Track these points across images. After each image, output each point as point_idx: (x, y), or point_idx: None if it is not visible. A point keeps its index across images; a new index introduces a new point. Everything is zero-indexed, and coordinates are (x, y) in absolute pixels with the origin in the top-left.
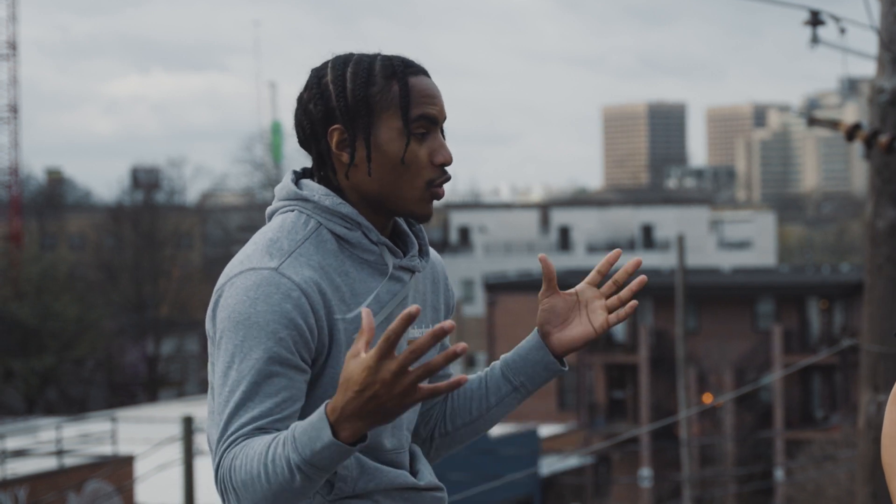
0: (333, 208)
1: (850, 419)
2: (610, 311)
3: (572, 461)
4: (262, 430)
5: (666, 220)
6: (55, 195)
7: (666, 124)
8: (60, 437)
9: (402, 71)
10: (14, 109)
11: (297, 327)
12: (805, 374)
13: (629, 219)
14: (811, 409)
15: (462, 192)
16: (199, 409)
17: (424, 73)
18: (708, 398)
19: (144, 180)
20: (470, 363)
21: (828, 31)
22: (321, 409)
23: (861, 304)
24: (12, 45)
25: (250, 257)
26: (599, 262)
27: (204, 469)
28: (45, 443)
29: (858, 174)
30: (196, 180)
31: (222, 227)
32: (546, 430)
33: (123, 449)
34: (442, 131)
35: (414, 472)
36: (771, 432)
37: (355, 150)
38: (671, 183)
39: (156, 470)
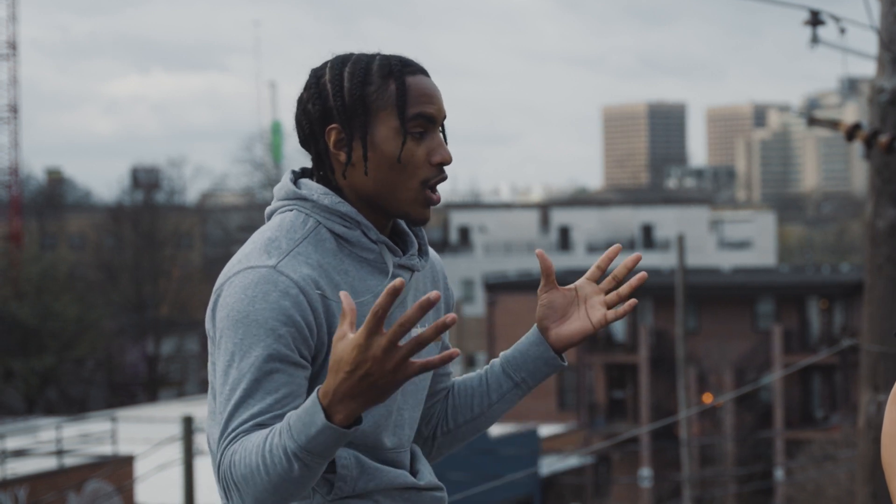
0: (332, 207)
1: (850, 419)
2: (609, 307)
3: (572, 461)
4: (262, 427)
5: (666, 220)
6: (55, 195)
7: (666, 124)
8: (60, 437)
9: (399, 70)
10: (14, 109)
11: (295, 324)
12: (805, 374)
13: (629, 219)
14: (811, 409)
15: (462, 192)
16: (199, 409)
17: (423, 72)
18: (708, 398)
19: (144, 180)
20: (470, 363)
21: (828, 31)
22: (314, 394)
23: (861, 304)
24: (12, 45)
25: (248, 256)
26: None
27: (204, 469)
28: (45, 443)
29: (858, 174)
30: (196, 180)
31: (222, 227)
32: (546, 430)
33: (123, 449)
34: (443, 131)
35: (414, 472)
36: (771, 432)
37: (352, 150)
38: (671, 183)
39: (156, 470)
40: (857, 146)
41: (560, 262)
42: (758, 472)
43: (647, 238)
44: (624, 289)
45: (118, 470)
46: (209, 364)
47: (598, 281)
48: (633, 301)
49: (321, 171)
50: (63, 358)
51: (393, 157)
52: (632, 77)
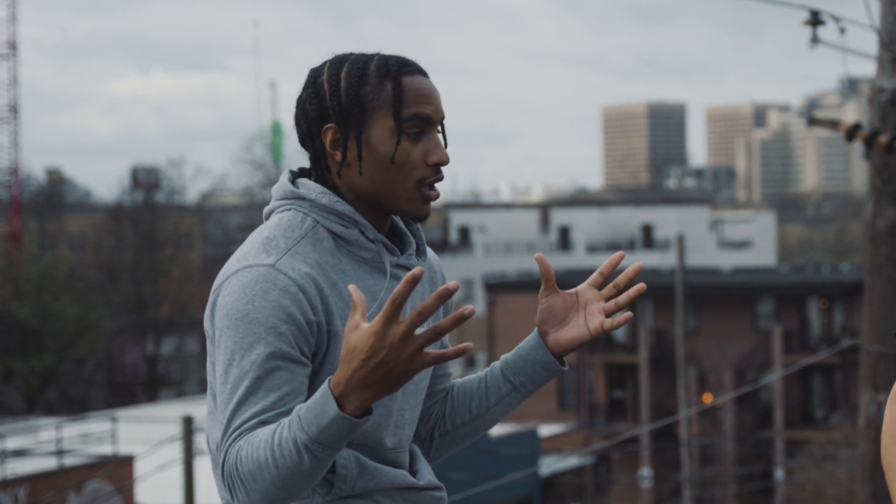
0: (330, 206)
1: (850, 419)
2: (608, 314)
3: (572, 461)
4: (265, 424)
5: (666, 220)
6: (55, 195)
7: (666, 124)
8: (60, 437)
9: (396, 70)
10: (14, 109)
11: (296, 322)
12: (805, 374)
13: (629, 219)
14: (811, 409)
15: (462, 192)
16: (199, 409)
17: (421, 72)
18: (708, 398)
19: (144, 180)
20: (470, 363)
21: (828, 31)
22: (324, 385)
23: (861, 304)
24: (12, 45)
25: (247, 255)
26: (601, 262)
27: (204, 469)
28: (45, 443)
29: (858, 174)
30: (196, 180)
31: (222, 227)
32: (546, 430)
33: (123, 449)
34: (443, 131)
35: (413, 472)
36: (771, 432)
37: (347, 149)
38: (671, 183)
39: (156, 470)
40: (857, 146)
41: (560, 262)
42: (758, 472)
43: (647, 238)
44: (622, 298)
45: (118, 470)
46: (208, 364)
47: (599, 287)
48: (628, 314)
49: (318, 170)
50: (63, 358)
51: (387, 157)
52: (632, 77)
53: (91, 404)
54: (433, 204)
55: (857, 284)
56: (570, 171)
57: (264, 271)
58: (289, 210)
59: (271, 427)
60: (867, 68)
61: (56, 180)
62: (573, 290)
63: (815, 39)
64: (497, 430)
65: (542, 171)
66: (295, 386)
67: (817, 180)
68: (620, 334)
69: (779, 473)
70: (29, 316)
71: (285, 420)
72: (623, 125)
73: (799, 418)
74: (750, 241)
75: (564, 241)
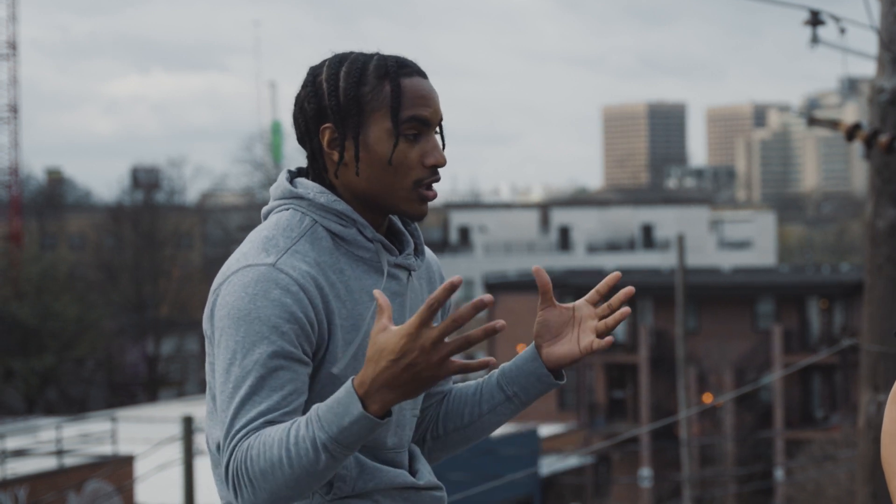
0: (328, 205)
1: (850, 419)
2: (599, 333)
3: (572, 461)
4: (271, 424)
5: (666, 220)
6: (55, 195)
7: (666, 124)
8: (60, 437)
9: (395, 71)
10: (14, 109)
11: (297, 321)
12: (805, 374)
13: (629, 219)
14: (811, 409)
15: (462, 192)
16: (199, 409)
17: (420, 73)
18: (708, 398)
19: (144, 180)
20: None
21: (828, 31)
22: (347, 385)
23: (861, 304)
24: (12, 45)
25: (246, 255)
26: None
27: (204, 469)
28: (45, 443)
29: (858, 174)
30: (196, 180)
31: (222, 227)
32: (546, 430)
33: (123, 449)
34: (442, 132)
35: (413, 472)
36: (771, 432)
37: (345, 149)
38: (671, 183)
39: (156, 470)
40: (857, 146)
41: (560, 262)
42: (758, 472)
43: (647, 238)
44: (610, 320)
45: (118, 470)
46: (207, 364)
47: (596, 304)
48: (609, 339)
49: (316, 169)
50: (63, 358)
51: (384, 158)
52: (632, 77)
53: (91, 404)
54: (433, 204)
55: (857, 284)
56: (570, 171)
57: (265, 270)
58: (287, 209)
59: (283, 426)
60: (867, 68)
61: (56, 180)
62: (570, 305)
63: (815, 39)
64: (497, 430)
65: (542, 171)
66: (297, 385)
67: (817, 180)
68: (620, 334)
69: (779, 473)
70: (29, 316)
71: (301, 419)
72: (623, 125)
73: (799, 418)
74: (750, 241)
75: (564, 241)
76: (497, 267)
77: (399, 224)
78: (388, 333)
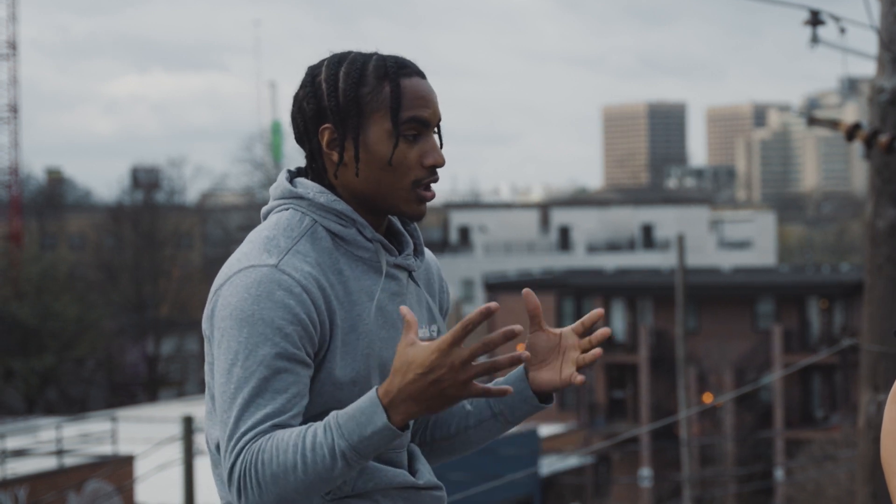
0: (328, 205)
1: (850, 419)
2: (578, 366)
3: (572, 461)
4: (279, 427)
5: (666, 220)
6: (55, 195)
7: (666, 124)
8: (60, 437)
9: (394, 72)
10: (14, 109)
11: (301, 322)
12: (805, 374)
13: (629, 219)
14: (811, 409)
15: (462, 192)
16: (199, 409)
17: (419, 74)
18: (708, 398)
19: (144, 180)
20: None
21: (828, 31)
22: (371, 395)
23: (861, 304)
24: (12, 45)
25: (248, 255)
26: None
27: (204, 469)
28: (45, 443)
29: (858, 174)
30: (196, 180)
31: (222, 226)
32: (546, 429)
33: (123, 449)
34: (439, 132)
35: (413, 472)
36: (771, 432)
37: (344, 150)
38: (671, 183)
39: (156, 470)
40: (857, 146)
41: (560, 262)
42: (758, 472)
43: (647, 238)
44: (587, 357)
45: (118, 470)
46: (206, 365)
47: (581, 335)
48: (581, 377)
49: (315, 169)
50: (63, 358)
51: (384, 159)
52: (632, 77)
53: (91, 404)
54: (433, 204)
55: (857, 284)
56: (570, 171)
57: (268, 271)
58: (287, 209)
59: (297, 430)
60: (867, 68)
61: (56, 180)
62: (558, 332)
63: (815, 39)
64: None
65: (542, 171)
66: (300, 388)
67: (817, 180)
68: (620, 334)
69: (779, 473)
70: (29, 316)
71: (316, 424)
72: (623, 125)
73: (799, 418)
74: (750, 241)
75: (564, 241)
76: (497, 267)
77: (398, 224)
78: (417, 347)
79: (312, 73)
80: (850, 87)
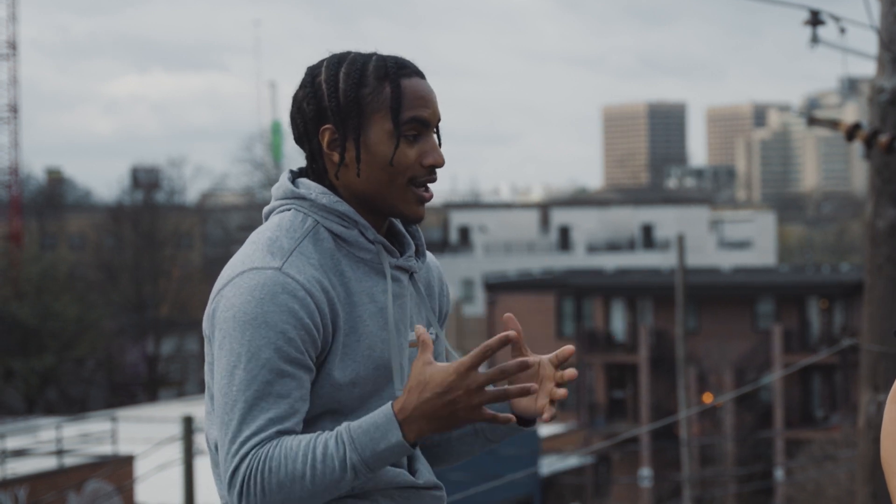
0: (330, 206)
1: (850, 419)
2: (551, 399)
3: (572, 461)
4: (283, 433)
5: (666, 220)
6: (55, 195)
7: (666, 124)
8: (60, 437)
9: (394, 72)
10: (14, 109)
11: (304, 326)
12: (805, 374)
13: (629, 219)
14: (811, 409)
15: (462, 192)
16: (199, 409)
17: (419, 74)
18: (708, 398)
19: (144, 180)
20: None
21: (828, 31)
22: (386, 410)
23: (861, 304)
24: (12, 45)
25: (251, 257)
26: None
27: (204, 469)
28: (45, 443)
29: (858, 174)
30: (196, 180)
31: (222, 226)
32: (546, 429)
33: (123, 449)
34: (438, 132)
35: (412, 471)
36: (771, 432)
37: (345, 151)
38: (671, 183)
39: (156, 470)
40: (857, 146)
41: (560, 261)
42: (758, 472)
43: (647, 238)
44: (559, 392)
45: (118, 470)
46: (206, 366)
47: (558, 368)
48: (550, 414)
49: (315, 170)
50: (63, 358)
51: (386, 159)
52: (632, 77)
53: (91, 404)
54: (433, 204)
55: (857, 284)
56: (570, 171)
57: (272, 274)
58: (289, 210)
59: (305, 439)
60: (867, 68)
61: (56, 180)
62: (537, 360)
63: (815, 39)
64: None
65: (542, 171)
66: (303, 392)
67: (817, 180)
68: (620, 334)
69: (779, 473)
70: (29, 316)
71: (327, 434)
72: (623, 125)
73: (799, 418)
74: (750, 241)
75: (564, 240)
76: (497, 267)
77: (400, 226)
78: (435, 367)
79: (312, 73)
80: (850, 87)
